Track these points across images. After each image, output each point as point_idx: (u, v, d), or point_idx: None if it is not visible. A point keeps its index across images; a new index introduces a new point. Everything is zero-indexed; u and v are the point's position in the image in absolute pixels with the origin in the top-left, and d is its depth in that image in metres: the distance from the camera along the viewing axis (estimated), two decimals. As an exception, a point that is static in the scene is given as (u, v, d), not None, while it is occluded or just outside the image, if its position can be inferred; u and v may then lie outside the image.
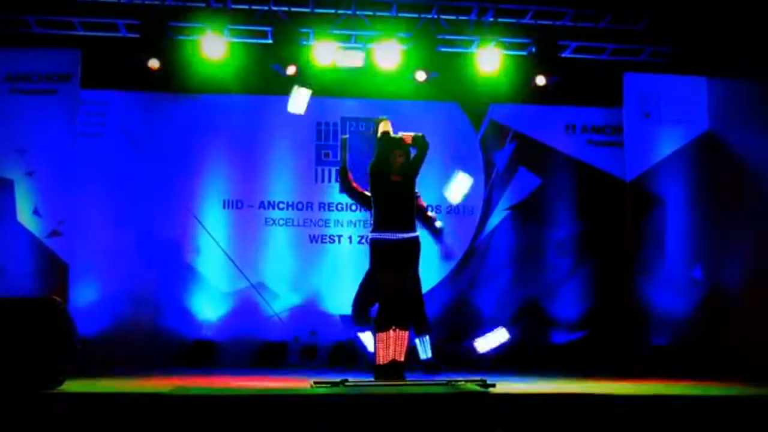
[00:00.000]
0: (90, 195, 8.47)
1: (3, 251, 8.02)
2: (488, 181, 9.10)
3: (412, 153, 6.00)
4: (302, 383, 5.42)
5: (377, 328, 5.79)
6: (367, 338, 6.69)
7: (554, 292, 8.95)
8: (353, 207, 8.81)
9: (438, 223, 7.06)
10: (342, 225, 8.88)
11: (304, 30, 8.25)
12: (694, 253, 8.67)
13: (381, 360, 5.72)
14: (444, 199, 8.92)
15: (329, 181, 8.95)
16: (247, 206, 8.82)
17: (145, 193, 8.58)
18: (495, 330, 7.89)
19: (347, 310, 7.03)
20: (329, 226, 8.88)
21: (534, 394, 4.51)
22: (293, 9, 8.19)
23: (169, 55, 8.14)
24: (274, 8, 8.17)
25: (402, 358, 5.76)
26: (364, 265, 6.38)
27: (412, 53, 8.36)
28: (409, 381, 5.61)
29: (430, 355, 6.56)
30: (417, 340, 6.52)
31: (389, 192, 5.86)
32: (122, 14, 8.17)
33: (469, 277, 8.91)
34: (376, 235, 5.86)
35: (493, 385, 4.80)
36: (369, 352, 6.72)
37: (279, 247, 8.79)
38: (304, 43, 8.29)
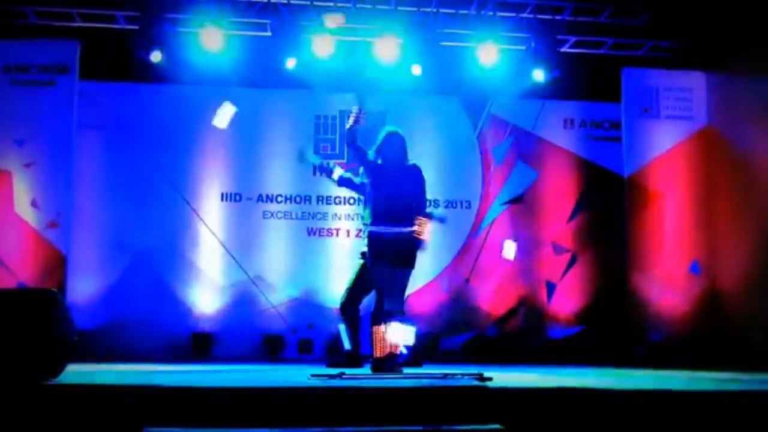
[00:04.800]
0: (88, 187, 8.48)
1: (0, 243, 8.02)
2: (486, 175, 9.10)
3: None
4: (299, 375, 5.42)
5: (374, 322, 5.80)
6: (345, 333, 6.67)
7: (551, 286, 8.97)
8: (351, 200, 8.82)
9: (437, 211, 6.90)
10: (340, 218, 8.88)
11: (303, 23, 8.24)
12: (692, 248, 8.69)
13: (379, 353, 5.73)
14: (441, 192, 8.98)
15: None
16: (245, 199, 8.83)
17: (143, 185, 8.58)
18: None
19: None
20: (327, 220, 8.89)
21: (531, 387, 4.51)
22: (293, 1, 8.18)
23: (168, 47, 8.12)
24: (274, 1, 8.16)
25: (399, 351, 5.78)
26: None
27: (410, 47, 8.35)
28: (406, 373, 5.61)
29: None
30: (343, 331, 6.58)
31: (391, 185, 5.85)
32: (121, 5, 8.16)
33: (466, 271, 8.92)
34: (374, 228, 5.86)
35: (490, 379, 4.81)
36: (345, 348, 6.71)
37: (277, 240, 8.80)
38: (304, 36, 8.28)
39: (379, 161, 5.96)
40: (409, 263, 5.84)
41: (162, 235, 8.57)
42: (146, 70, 8.27)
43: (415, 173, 5.95)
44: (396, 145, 5.95)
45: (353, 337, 6.60)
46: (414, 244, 5.84)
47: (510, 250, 8.05)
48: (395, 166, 5.90)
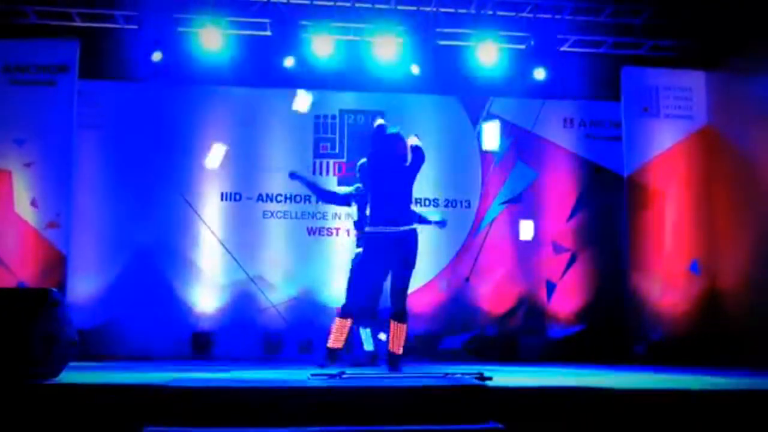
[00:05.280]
0: (88, 186, 8.46)
1: (0, 242, 8.02)
2: (486, 175, 9.10)
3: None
4: (299, 375, 5.42)
5: (341, 314, 5.91)
6: (366, 334, 6.73)
7: (551, 286, 8.96)
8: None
9: (434, 218, 7.04)
10: (339, 218, 8.87)
11: (303, 22, 8.24)
12: (692, 247, 8.69)
13: (332, 344, 5.95)
14: (441, 192, 8.98)
15: (327, 173, 8.95)
16: (245, 198, 8.82)
17: (143, 185, 8.57)
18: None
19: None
20: (327, 219, 8.88)
21: (531, 387, 4.52)
22: (292, 1, 8.18)
23: (168, 46, 8.12)
24: (273, 0, 8.16)
25: (400, 351, 5.78)
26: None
27: (410, 46, 8.34)
28: (406, 373, 5.62)
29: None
30: (364, 332, 6.83)
31: (387, 185, 5.85)
32: (120, 5, 8.17)
33: (466, 270, 8.92)
34: (372, 229, 5.86)
35: (490, 378, 4.81)
36: (365, 349, 6.78)
37: (277, 239, 8.79)
38: (303, 35, 8.28)
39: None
40: (408, 263, 5.84)
41: (162, 234, 8.56)
42: (146, 70, 8.26)
43: (400, 142, 5.96)
44: (391, 138, 6.00)
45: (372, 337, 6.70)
46: (412, 244, 5.84)
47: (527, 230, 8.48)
48: (388, 154, 5.92)
